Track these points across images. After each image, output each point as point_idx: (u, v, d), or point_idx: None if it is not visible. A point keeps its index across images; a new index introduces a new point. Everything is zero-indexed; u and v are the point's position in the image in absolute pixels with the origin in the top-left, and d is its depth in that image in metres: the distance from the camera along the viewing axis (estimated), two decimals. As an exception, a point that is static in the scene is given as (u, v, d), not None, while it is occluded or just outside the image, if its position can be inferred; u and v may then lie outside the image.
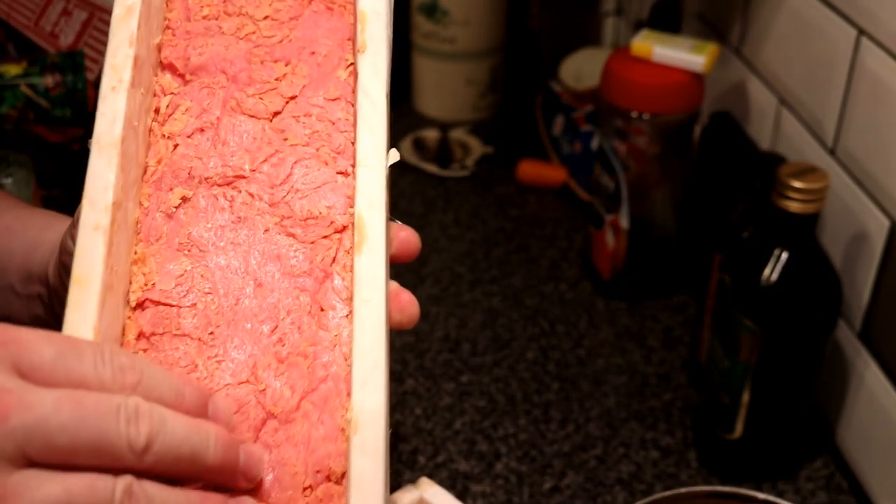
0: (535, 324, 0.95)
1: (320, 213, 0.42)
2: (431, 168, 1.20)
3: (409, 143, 1.25)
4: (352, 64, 0.45)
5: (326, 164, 0.43)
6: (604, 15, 1.35)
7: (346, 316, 0.40)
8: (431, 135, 1.27)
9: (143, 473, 0.33)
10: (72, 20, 1.11)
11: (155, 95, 0.44)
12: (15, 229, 0.52)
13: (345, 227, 0.42)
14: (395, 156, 0.43)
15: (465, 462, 0.79)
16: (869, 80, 0.73)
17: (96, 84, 1.12)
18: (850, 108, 0.76)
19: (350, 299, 0.40)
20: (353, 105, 0.44)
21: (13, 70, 1.01)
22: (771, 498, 0.62)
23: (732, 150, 0.91)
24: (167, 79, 0.44)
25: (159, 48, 0.45)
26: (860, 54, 0.74)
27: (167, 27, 0.45)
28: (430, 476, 0.75)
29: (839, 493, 0.76)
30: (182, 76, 0.44)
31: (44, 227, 0.52)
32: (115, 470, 0.32)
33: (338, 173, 0.43)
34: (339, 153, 0.43)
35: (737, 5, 0.96)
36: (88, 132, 1.16)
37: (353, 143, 0.43)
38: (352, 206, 0.42)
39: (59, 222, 0.52)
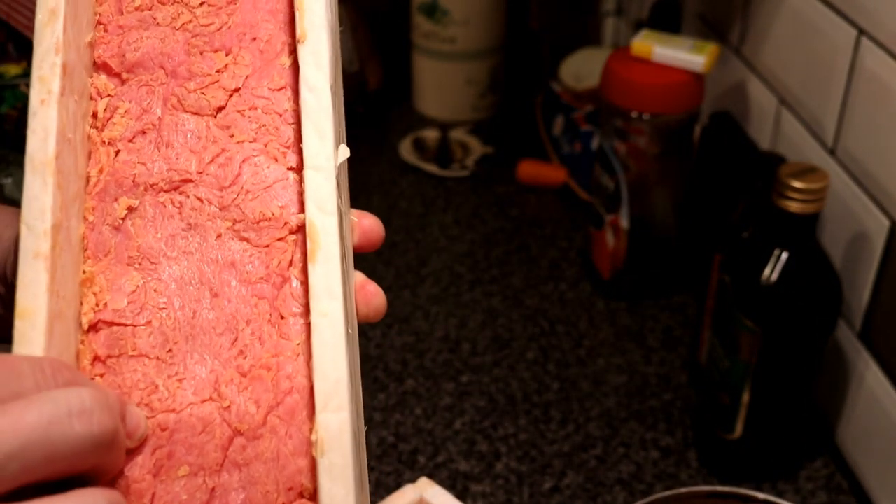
0: (535, 324, 0.95)
1: (273, 213, 0.40)
2: (431, 168, 1.20)
3: (409, 143, 1.25)
4: (295, 49, 0.42)
5: (276, 159, 0.41)
6: (604, 15, 1.35)
7: (307, 323, 0.38)
8: (431, 135, 1.27)
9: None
10: (72, 20, 1.11)
11: (91, 99, 0.41)
12: None
13: (299, 227, 0.40)
14: (344, 152, 0.40)
15: (465, 462, 0.79)
16: (869, 80, 0.73)
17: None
18: (850, 108, 0.76)
19: (308, 313, 0.38)
20: (299, 93, 0.41)
21: (13, 70, 1.01)
22: (771, 498, 0.62)
23: (732, 150, 0.91)
24: (102, 80, 0.42)
25: (91, 46, 0.42)
26: (860, 54, 0.74)
27: (98, 22, 0.43)
28: (430, 476, 0.75)
29: (839, 493, 0.76)
30: (118, 75, 0.42)
31: (5, 224, 0.51)
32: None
33: (288, 169, 0.41)
34: (288, 147, 0.41)
35: (737, 5, 0.96)
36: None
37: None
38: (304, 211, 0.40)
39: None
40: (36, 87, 0.39)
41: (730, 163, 0.89)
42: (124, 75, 0.42)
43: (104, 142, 0.41)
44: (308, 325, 0.38)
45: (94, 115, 0.41)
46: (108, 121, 0.41)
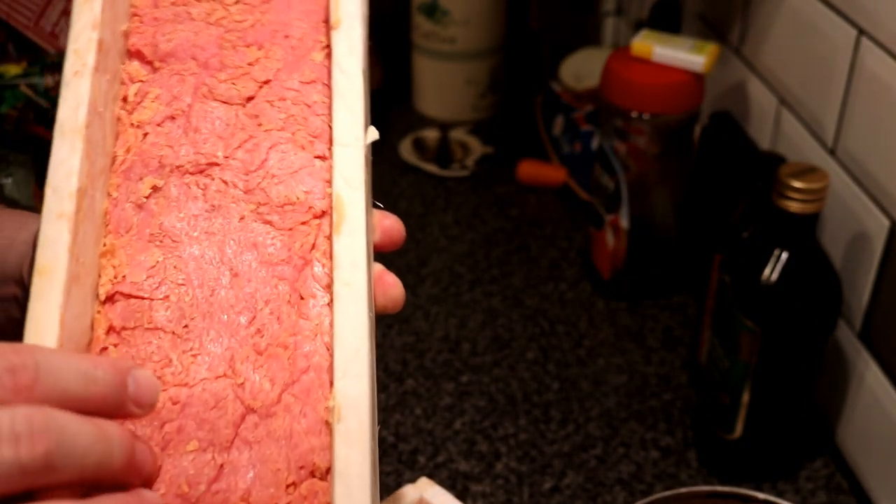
0: (535, 324, 0.95)
1: (297, 198, 0.40)
2: (431, 168, 1.20)
3: (409, 143, 1.25)
4: (327, 46, 0.43)
5: (303, 147, 0.41)
6: (604, 15, 1.35)
7: (328, 304, 0.38)
8: (431, 135, 1.27)
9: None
10: (72, 20, 1.11)
11: (123, 83, 0.42)
12: None
13: (324, 213, 0.40)
14: (374, 134, 0.41)
15: (465, 462, 0.79)
16: (869, 80, 0.73)
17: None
18: (850, 108, 0.76)
19: (331, 286, 0.38)
20: (329, 87, 0.42)
21: (13, 70, 1.01)
22: (771, 498, 0.62)
23: (732, 150, 0.91)
24: (135, 66, 0.42)
25: (126, 35, 0.43)
26: (860, 54, 0.74)
27: (134, 14, 0.44)
28: (430, 476, 0.75)
29: (839, 493, 0.76)
30: (150, 63, 0.43)
31: (18, 226, 0.51)
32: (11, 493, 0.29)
33: (315, 157, 0.41)
34: (316, 137, 0.42)
35: (737, 5, 0.96)
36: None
37: (330, 127, 0.41)
38: (330, 189, 0.40)
39: (34, 221, 0.50)
40: (70, 60, 0.39)
41: (730, 163, 0.89)
42: (156, 63, 0.43)
43: (133, 124, 0.41)
44: (329, 307, 0.38)
45: (125, 99, 0.42)
46: (138, 104, 0.42)
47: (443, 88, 1.29)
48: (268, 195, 0.40)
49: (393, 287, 0.42)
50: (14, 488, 0.29)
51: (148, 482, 0.35)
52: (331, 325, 0.38)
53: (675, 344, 0.92)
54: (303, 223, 0.40)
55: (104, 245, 0.39)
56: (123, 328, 0.38)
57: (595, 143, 1.07)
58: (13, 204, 0.89)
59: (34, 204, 0.92)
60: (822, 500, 0.76)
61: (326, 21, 0.44)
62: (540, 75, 1.30)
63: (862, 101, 0.74)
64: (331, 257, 0.39)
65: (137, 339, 0.38)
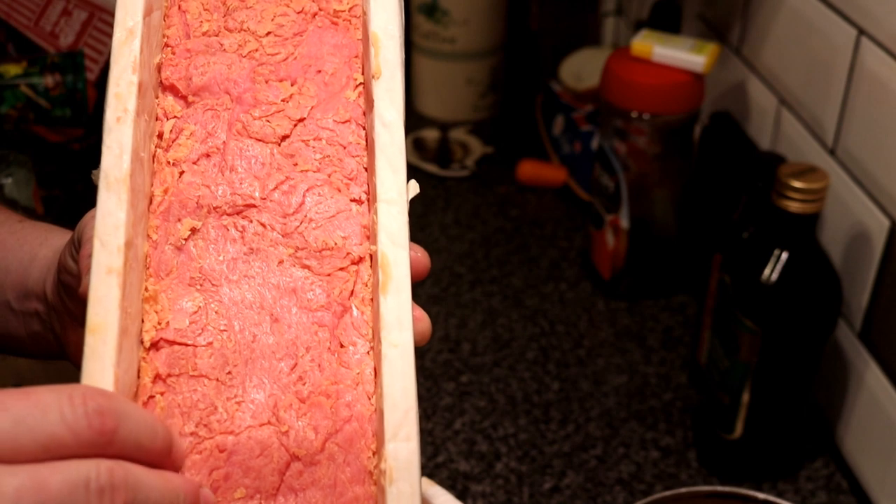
0: (535, 324, 0.95)
1: (335, 243, 0.41)
2: (431, 168, 1.20)
3: (409, 143, 1.25)
4: (360, 84, 0.43)
5: (339, 190, 0.42)
6: (604, 15, 1.35)
7: (368, 353, 0.39)
8: (431, 135, 1.27)
9: None
10: (72, 20, 1.11)
11: (157, 119, 0.42)
12: (9, 244, 0.51)
13: (361, 259, 0.41)
14: (414, 188, 0.41)
15: (465, 462, 0.79)
16: (869, 80, 0.73)
17: (96, 84, 1.12)
18: (850, 108, 0.76)
19: (372, 336, 0.39)
20: (363, 128, 0.42)
21: (13, 70, 1.02)
22: (771, 498, 0.62)
23: (732, 150, 0.91)
24: (169, 101, 0.43)
25: (159, 68, 0.43)
26: (860, 54, 0.74)
27: (166, 45, 0.44)
28: (430, 476, 0.75)
29: (839, 493, 0.76)
30: (184, 98, 0.43)
31: (39, 242, 0.51)
32: None
33: (351, 201, 0.41)
34: (351, 179, 0.42)
35: (737, 5, 0.96)
36: (88, 132, 1.15)
37: (365, 169, 0.42)
38: (368, 237, 0.40)
39: (55, 236, 0.51)
40: (112, 105, 0.39)
41: (730, 163, 0.89)
42: (190, 98, 0.43)
43: (169, 162, 0.42)
44: (369, 355, 0.39)
45: (160, 136, 0.42)
46: (173, 142, 0.42)
47: (443, 88, 1.29)
48: (306, 240, 0.41)
49: (420, 321, 0.42)
50: None
51: None
52: (375, 374, 0.38)
53: (675, 344, 0.92)
54: (341, 269, 0.41)
55: (146, 290, 0.39)
56: (169, 375, 0.38)
57: (595, 143, 1.07)
58: (13, 204, 0.89)
59: (34, 204, 0.92)
60: (822, 500, 0.76)
61: (358, 56, 0.44)
62: (540, 75, 1.30)
63: (862, 101, 0.74)
64: (369, 304, 0.39)
65: (182, 386, 0.38)
